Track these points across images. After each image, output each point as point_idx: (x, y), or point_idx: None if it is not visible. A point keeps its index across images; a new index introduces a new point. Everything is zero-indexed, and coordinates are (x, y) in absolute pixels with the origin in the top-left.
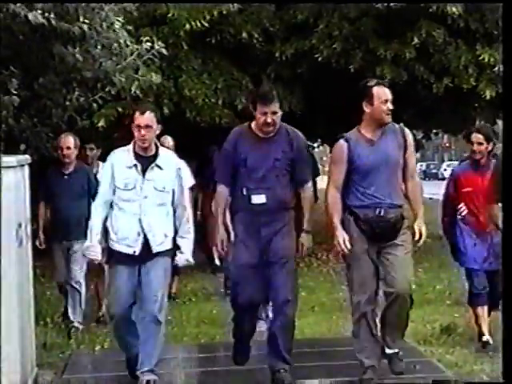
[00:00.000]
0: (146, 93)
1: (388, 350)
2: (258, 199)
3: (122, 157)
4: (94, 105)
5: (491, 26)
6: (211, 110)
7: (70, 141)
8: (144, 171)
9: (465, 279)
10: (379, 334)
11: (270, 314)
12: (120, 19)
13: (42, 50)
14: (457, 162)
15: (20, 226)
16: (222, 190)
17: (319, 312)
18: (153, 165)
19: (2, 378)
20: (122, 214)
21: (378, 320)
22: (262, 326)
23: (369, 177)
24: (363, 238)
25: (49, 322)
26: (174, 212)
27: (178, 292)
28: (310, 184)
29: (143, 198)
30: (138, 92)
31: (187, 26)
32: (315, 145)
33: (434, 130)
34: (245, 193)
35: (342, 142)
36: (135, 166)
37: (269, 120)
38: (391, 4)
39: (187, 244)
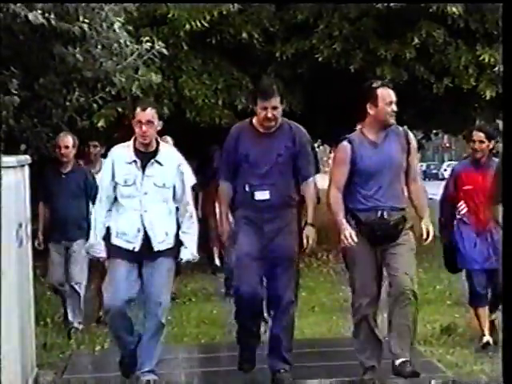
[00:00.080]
0: (146, 93)
1: (397, 361)
2: (262, 195)
3: (122, 153)
4: (94, 105)
5: (491, 27)
6: (211, 110)
7: (68, 140)
8: (144, 167)
9: (465, 279)
10: (382, 337)
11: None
12: (120, 19)
13: (42, 50)
14: (456, 163)
15: (20, 226)
16: (225, 187)
17: (319, 312)
18: (153, 161)
19: (2, 378)
20: (123, 210)
21: (379, 321)
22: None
23: (371, 179)
24: (365, 241)
25: (49, 323)
26: (177, 209)
27: (179, 292)
28: (313, 178)
29: (143, 195)
30: (138, 92)
31: (187, 27)
32: (315, 145)
33: (434, 131)
34: (247, 189)
35: (345, 143)
36: (135, 161)
37: (269, 115)
38: (391, 4)
39: (191, 238)
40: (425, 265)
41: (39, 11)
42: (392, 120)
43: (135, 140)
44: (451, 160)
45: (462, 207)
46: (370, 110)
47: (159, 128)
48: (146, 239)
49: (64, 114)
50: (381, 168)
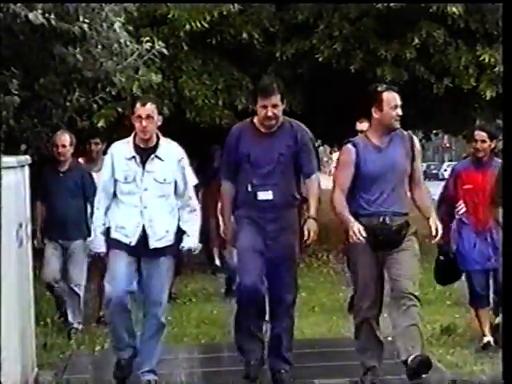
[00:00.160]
0: (147, 93)
1: (409, 359)
2: (265, 195)
3: (122, 149)
4: (94, 105)
5: (491, 27)
6: (211, 110)
7: (65, 138)
8: (144, 163)
9: (465, 280)
10: (382, 338)
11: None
12: (120, 19)
13: (42, 51)
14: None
15: (20, 226)
16: (227, 187)
17: (319, 312)
18: (153, 156)
19: (2, 378)
20: (123, 206)
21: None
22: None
23: (374, 184)
24: (367, 246)
25: (49, 323)
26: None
27: (179, 292)
28: (316, 175)
29: (143, 191)
30: (138, 92)
31: (187, 27)
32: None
33: (435, 131)
34: (250, 189)
35: (349, 146)
36: (134, 157)
37: (269, 113)
38: (391, 4)
39: (192, 227)
40: (425, 265)
41: (39, 11)
42: (397, 124)
43: (135, 136)
44: (451, 160)
45: (461, 207)
46: (375, 114)
47: (159, 123)
48: (144, 236)
49: (64, 114)
50: (384, 172)
